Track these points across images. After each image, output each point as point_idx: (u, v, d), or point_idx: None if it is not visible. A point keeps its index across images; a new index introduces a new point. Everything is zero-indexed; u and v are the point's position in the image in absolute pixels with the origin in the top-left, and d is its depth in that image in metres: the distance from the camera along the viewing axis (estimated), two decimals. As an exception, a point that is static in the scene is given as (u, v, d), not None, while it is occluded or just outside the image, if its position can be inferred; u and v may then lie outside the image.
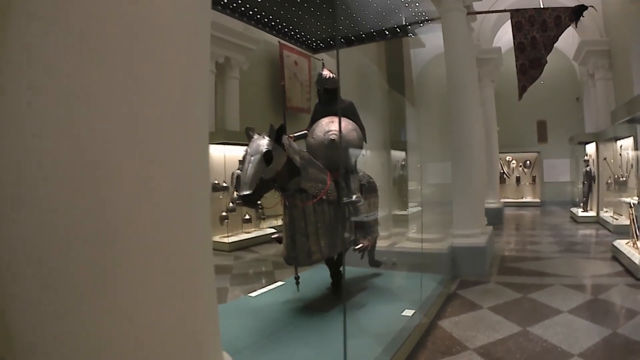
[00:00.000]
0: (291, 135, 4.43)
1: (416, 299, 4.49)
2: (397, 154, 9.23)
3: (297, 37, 6.01)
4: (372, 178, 5.06)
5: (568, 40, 13.37)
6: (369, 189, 4.80)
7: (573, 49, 13.84)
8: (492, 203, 12.04)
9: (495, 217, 11.29)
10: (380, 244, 6.30)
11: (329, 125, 4.27)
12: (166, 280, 1.52)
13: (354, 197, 4.21)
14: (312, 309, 4.33)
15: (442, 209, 6.90)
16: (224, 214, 9.57)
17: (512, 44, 6.85)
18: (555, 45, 6.58)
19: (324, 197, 3.89)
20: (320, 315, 4.10)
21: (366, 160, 7.06)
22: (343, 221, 4.22)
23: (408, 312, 4.06)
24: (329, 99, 4.50)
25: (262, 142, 3.40)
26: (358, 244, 4.16)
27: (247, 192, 3.20)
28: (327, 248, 3.95)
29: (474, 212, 6.74)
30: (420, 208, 6.84)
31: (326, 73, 4.50)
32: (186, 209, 1.60)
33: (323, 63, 4.70)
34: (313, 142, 4.32)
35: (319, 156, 4.24)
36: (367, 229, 4.32)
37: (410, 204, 7.66)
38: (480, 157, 7.46)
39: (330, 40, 6.11)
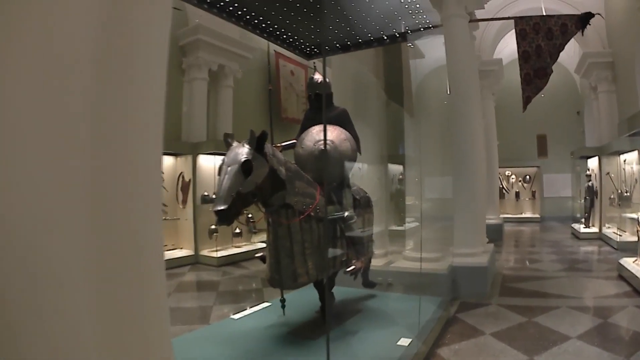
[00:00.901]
0: (278, 145, 4.08)
1: (413, 323, 4.12)
2: (395, 168, 8.90)
3: (290, 42, 5.68)
4: (366, 192, 4.69)
5: (569, 53, 13.15)
6: (363, 204, 4.42)
7: (574, 62, 13.58)
8: (492, 219, 11.64)
9: (495, 233, 10.92)
10: (376, 262, 5.92)
11: (320, 134, 3.90)
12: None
13: (346, 213, 3.83)
14: (298, 335, 3.95)
15: (441, 226, 6.50)
16: (213, 227, 9.16)
17: (513, 57, 6.53)
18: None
19: (312, 214, 3.50)
20: (306, 344, 3.72)
21: (363, 174, 6.72)
22: (334, 240, 3.83)
23: (404, 342, 3.65)
24: (321, 106, 4.14)
25: (241, 151, 3.03)
26: (350, 266, 3.76)
27: (222, 208, 2.82)
28: (315, 270, 3.56)
29: (476, 230, 6.36)
30: (417, 223, 6.46)
31: (318, 77, 4.15)
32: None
33: (315, 66, 4.35)
34: (302, 152, 3.95)
35: (308, 168, 3.88)
36: (360, 249, 3.93)
37: (407, 220, 7.26)
38: (482, 171, 7.10)
39: (327, 47, 5.78)
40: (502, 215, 13.67)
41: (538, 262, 8.55)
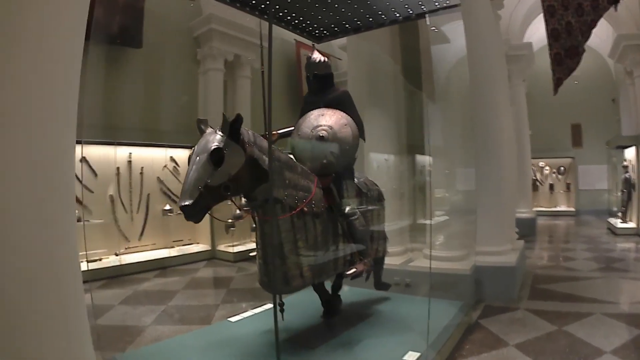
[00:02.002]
0: (275, 132, 3.62)
1: (430, 330, 3.58)
2: (422, 159, 8.28)
3: (297, 24, 5.19)
4: (376, 184, 4.18)
5: (602, 37, 12.20)
6: (371, 198, 3.91)
7: (608, 45, 12.54)
8: (523, 212, 10.97)
9: (527, 228, 10.28)
10: (393, 261, 5.39)
11: (318, 120, 3.41)
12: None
13: (347, 208, 3.32)
14: (296, 343, 3.53)
15: (465, 221, 5.88)
16: (230, 221, 8.77)
17: (544, 42, 5.84)
18: (589, 42, 5.55)
19: (306, 209, 3.01)
20: (306, 354, 3.30)
21: (389, 165, 6.17)
22: (335, 239, 3.34)
23: (412, 356, 3.13)
24: (321, 88, 3.65)
25: (212, 139, 2.60)
26: (351, 269, 3.25)
27: (186, 203, 2.40)
28: (312, 272, 3.10)
29: (503, 225, 5.71)
30: (446, 217, 5.85)
31: (317, 56, 3.65)
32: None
33: (314, 45, 3.85)
34: (298, 140, 3.46)
35: (306, 157, 3.39)
36: (363, 249, 3.41)
37: (436, 213, 6.65)
38: (511, 161, 6.43)
39: (335, 27, 5.26)
40: (535, 209, 12.82)
41: (572, 261, 7.82)
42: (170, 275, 7.26)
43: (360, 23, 5.05)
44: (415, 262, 5.70)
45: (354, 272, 3.23)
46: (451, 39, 6.65)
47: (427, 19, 5.68)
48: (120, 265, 7.22)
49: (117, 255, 7.45)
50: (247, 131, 2.81)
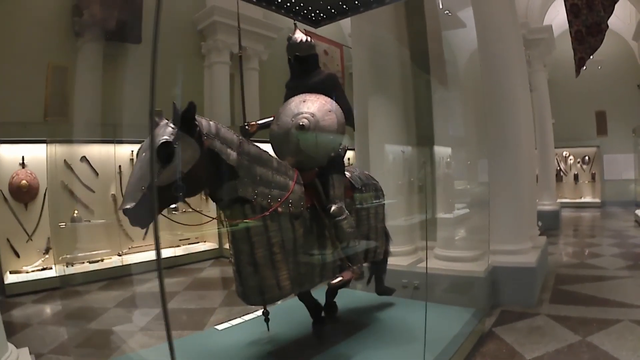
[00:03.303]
0: (253, 123, 3.15)
1: (434, 341, 3.15)
2: (441, 150, 7.68)
3: (293, 8, 4.71)
4: (374, 179, 3.67)
5: (624, 19, 11.33)
6: (366, 194, 3.40)
7: (631, 28, 11.68)
8: (547, 204, 10.32)
9: (551, 221, 9.67)
10: (400, 261, 4.87)
11: (300, 107, 2.92)
12: None
13: (333, 207, 2.82)
14: (282, 358, 3.09)
15: (481, 217, 5.28)
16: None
17: (565, 26, 5.19)
18: (610, 25, 4.89)
19: (281, 209, 2.54)
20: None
21: (407, 157, 5.64)
22: (320, 243, 2.86)
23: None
24: (304, 72, 3.14)
25: (162, 132, 2.14)
26: (336, 278, 2.76)
27: (127, 207, 1.96)
28: (291, 281, 2.64)
29: (522, 221, 5.11)
30: (466, 210, 5.24)
31: (298, 36, 3.16)
32: None
33: (295, 24, 3.36)
34: (277, 130, 2.98)
35: (286, 150, 2.91)
36: (353, 254, 2.91)
37: (439, 209, 6.06)
38: (529, 150, 5.82)
39: (332, 9, 4.75)
40: (559, 200, 12.03)
41: (597, 257, 7.11)
42: (174, 275, 6.93)
43: (359, 2, 4.53)
44: (425, 262, 5.15)
45: (340, 281, 2.74)
46: (470, 25, 6.05)
47: (440, 1, 5.15)
48: (122, 265, 6.91)
49: (119, 255, 7.13)
50: (208, 122, 2.37)
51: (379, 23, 5.49)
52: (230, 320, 3.98)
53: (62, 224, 6.45)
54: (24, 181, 6.26)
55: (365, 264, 3.78)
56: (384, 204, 3.69)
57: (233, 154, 2.39)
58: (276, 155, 2.96)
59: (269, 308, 3.40)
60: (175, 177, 2.10)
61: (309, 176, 2.87)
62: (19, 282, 5.90)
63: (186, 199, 2.29)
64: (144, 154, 2.12)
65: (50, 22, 6.62)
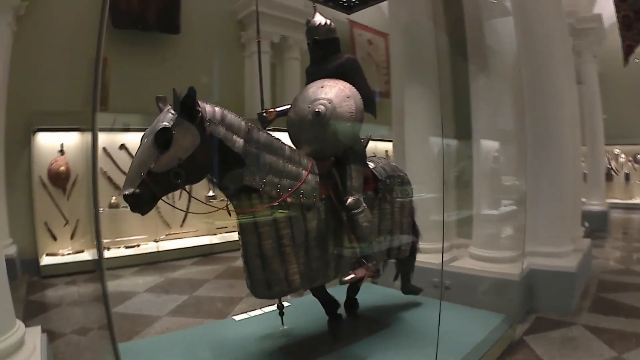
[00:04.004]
0: (272, 110, 3.00)
1: (457, 347, 2.95)
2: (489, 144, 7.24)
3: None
4: (401, 171, 3.43)
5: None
6: (390, 186, 3.17)
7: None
8: (595, 205, 9.68)
9: (598, 222, 9.08)
10: (433, 259, 4.56)
11: (317, 93, 2.73)
12: None
13: (350, 199, 2.62)
14: (291, 354, 2.94)
15: (518, 216, 4.90)
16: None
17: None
18: None
19: (291, 200, 2.37)
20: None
21: (451, 150, 5.34)
22: (337, 236, 2.67)
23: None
24: (323, 56, 2.94)
25: (163, 118, 2.11)
26: (349, 274, 2.56)
27: (126, 193, 1.95)
28: (301, 275, 2.49)
29: (563, 222, 4.70)
30: (514, 207, 4.87)
31: (317, 19, 2.96)
32: None
33: (315, 7, 3.15)
34: (294, 117, 2.81)
35: (302, 138, 2.74)
36: (369, 250, 2.70)
37: (476, 205, 5.69)
38: (574, 146, 5.35)
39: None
40: (608, 201, 11.22)
41: (646, 264, 6.51)
42: (208, 263, 6.92)
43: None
44: (458, 261, 4.83)
45: (351, 278, 2.54)
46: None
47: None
48: (158, 251, 6.97)
49: (156, 241, 7.20)
50: (213, 107, 2.27)
51: (416, 9, 5.20)
52: (251, 311, 3.88)
53: (101, 209, 6.55)
54: (62, 167, 6.39)
55: (392, 260, 3.59)
56: (411, 197, 3.45)
57: (239, 141, 2.25)
58: (292, 143, 2.80)
59: (287, 301, 3.27)
60: (174, 164, 2.04)
61: (325, 166, 2.69)
62: (54, 264, 6.04)
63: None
64: (145, 140, 2.08)
65: (89, 14, 6.70)
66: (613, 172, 14.80)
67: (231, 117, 2.30)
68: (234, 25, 8.93)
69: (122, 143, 7.01)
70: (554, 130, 4.61)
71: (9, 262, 5.58)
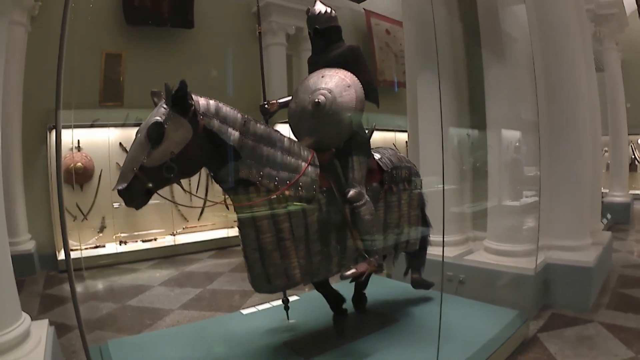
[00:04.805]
0: (274, 102, 2.92)
1: (466, 344, 2.83)
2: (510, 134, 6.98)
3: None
4: (409, 162, 3.30)
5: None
6: (397, 178, 3.06)
7: None
8: (617, 196, 9.34)
9: (621, 214, 8.74)
10: (447, 252, 4.40)
11: (317, 83, 2.64)
12: None
13: (351, 191, 2.52)
14: (292, 349, 2.85)
15: (532, 208, 4.71)
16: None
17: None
18: None
19: (289, 192, 2.29)
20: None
21: (472, 141, 5.18)
22: (338, 229, 2.58)
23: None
24: (325, 45, 2.85)
25: (155, 112, 2.09)
26: (349, 269, 2.47)
27: (119, 187, 2.00)
28: (302, 269, 2.42)
29: (582, 214, 4.49)
30: (535, 199, 4.68)
31: (318, 7, 2.88)
32: None
33: (316, -5, 3.05)
34: (295, 108, 2.72)
35: (302, 129, 2.65)
36: (371, 244, 2.59)
37: (493, 197, 5.49)
38: (595, 136, 5.12)
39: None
40: (631, 192, 10.81)
41: (669, 258, 6.19)
42: (224, 256, 6.90)
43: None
44: (473, 254, 4.67)
45: (353, 273, 2.44)
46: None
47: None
48: (175, 245, 6.99)
49: (173, 235, 7.22)
50: (207, 100, 2.22)
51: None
52: (260, 304, 3.84)
53: (116, 204, 6.60)
54: (79, 163, 6.41)
55: (403, 253, 3.48)
56: (420, 189, 3.33)
57: (235, 134, 2.19)
58: (294, 134, 2.73)
59: (296, 295, 3.20)
60: (166, 158, 2.01)
61: (326, 157, 2.59)
62: (72, 259, 6.05)
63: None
64: (138, 134, 2.06)
65: (102, 10, 6.71)
66: (637, 162, 14.26)
67: (226, 109, 2.24)
68: (249, 18, 8.84)
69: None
70: (572, 120, 4.39)
71: (27, 257, 5.80)
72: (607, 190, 9.51)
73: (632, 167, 13.40)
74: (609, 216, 6.78)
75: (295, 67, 9.56)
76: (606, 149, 10.12)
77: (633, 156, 13.91)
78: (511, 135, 4.73)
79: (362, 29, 10.65)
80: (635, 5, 5.07)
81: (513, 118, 4.59)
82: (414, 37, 5.34)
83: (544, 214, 4.23)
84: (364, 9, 10.31)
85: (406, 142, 9.98)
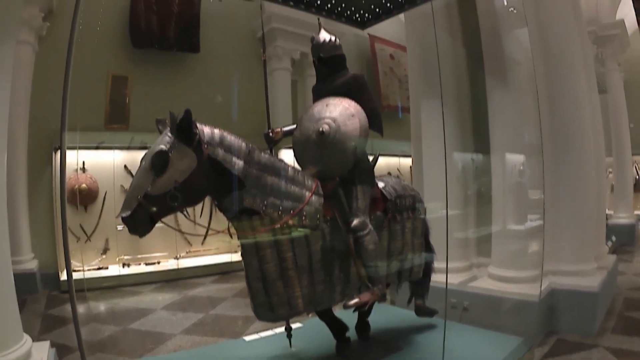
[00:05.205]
0: (278, 130, 2.94)
1: None
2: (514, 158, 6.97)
3: (334, 9, 4.52)
4: (413, 190, 3.30)
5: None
6: (401, 207, 3.06)
7: None
8: (622, 217, 9.30)
9: (626, 235, 8.70)
10: (451, 279, 4.37)
11: (322, 111, 2.66)
12: None
13: (355, 221, 2.52)
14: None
15: (535, 233, 4.67)
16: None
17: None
18: None
19: (293, 222, 2.30)
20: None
21: (477, 165, 5.18)
22: (342, 258, 2.57)
23: None
24: (329, 73, 2.88)
25: (160, 140, 2.12)
26: (352, 299, 2.46)
27: (123, 215, 2.04)
28: (304, 298, 2.40)
29: (585, 238, 4.46)
30: (540, 222, 4.65)
31: (322, 36, 2.91)
32: None
33: (319, 23, 3.11)
34: (299, 137, 2.74)
35: (306, 158, 2.66)
36: (375, 273, 2.59)
37: (497, 222, 5.45)
38: (598, 157, 5.11)
39: (379, 10, 4.48)
40: (636, 212, 10.74)
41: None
42: (228, 280, 6.85)
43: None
44: (477, 281, 4.62)
45: (356, 302, 2.44)
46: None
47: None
48: (178, 269, 6.96)
49: (176, 258, 7.19)
50: (212, 129, 2.25)
51: (431, 21, 5.09)
52: (262, 331, 3.81)
53: (120, 227, 6.60)
54: (84, 185, 6.46)
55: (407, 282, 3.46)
56: (424, 217, 3.32)
57: (239, 163, 2.21)
58: (298, 163, 2.74)
59: (299, 322, 3.17)
60: (170, 186, 2.03)
61: (330, 186, 2.60)
62: (75, 280, 6.03)
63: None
64: (143, 162, 2.09)
65: (109, 33, 6.82)
66: (643, 183, 14.20)
67: (231, 138, 2.26)
68: (254, 43, 8.97)
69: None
70: (575, 143, 4.40)
71: (30, 276, 5.79)
72: (611, 212, 9.46)
73: (637, 187, 13.33)
74: (613, 238, 6.71)
75: (300, 92, 9.62)
76: (610, 170, 10.10)
77: (637, 177, 13.84)
78: (515, 159, 4.72)
79: (367, 54, 10.74)
80: (637, 25, 5.10)
81: (517, 142, 4.60)
82: (418, 62, 5.40)
83: (549, 238, 4.20)
84: (369, 34, 10.38)
85: (410, 167, 10.02)
